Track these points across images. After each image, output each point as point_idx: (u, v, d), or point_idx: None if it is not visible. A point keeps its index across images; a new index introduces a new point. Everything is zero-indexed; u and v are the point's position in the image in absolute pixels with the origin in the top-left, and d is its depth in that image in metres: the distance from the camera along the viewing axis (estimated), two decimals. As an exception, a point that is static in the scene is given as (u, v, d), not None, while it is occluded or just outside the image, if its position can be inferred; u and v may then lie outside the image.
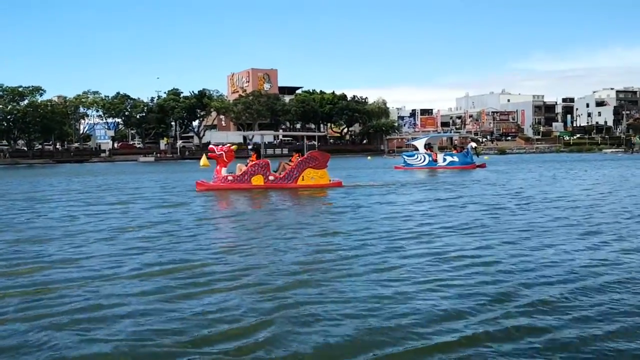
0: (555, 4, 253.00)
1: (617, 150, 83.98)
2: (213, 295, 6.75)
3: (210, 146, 25.32)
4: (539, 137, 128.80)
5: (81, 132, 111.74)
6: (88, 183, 31.68)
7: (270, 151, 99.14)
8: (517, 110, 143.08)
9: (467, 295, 6.54)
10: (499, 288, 6.81)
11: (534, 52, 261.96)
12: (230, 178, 23.35)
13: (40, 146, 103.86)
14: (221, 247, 10.09)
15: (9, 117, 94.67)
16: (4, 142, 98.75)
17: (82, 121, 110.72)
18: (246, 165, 23.54)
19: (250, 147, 28.22)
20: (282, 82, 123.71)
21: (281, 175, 23.29)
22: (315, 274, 7.72)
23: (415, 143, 42.43)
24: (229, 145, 24.71)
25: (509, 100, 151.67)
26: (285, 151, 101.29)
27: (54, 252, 9.73)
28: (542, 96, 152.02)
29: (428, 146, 40.65)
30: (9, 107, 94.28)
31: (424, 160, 39.51)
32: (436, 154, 39.42)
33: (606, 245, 9.52)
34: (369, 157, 76.49)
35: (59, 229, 12.49)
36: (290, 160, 24.40)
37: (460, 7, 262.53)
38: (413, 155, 40.88)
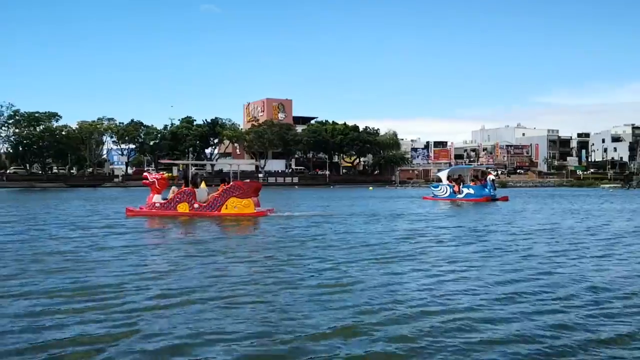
0: (578, 40, 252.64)
1: (615, 185, 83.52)
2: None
3: (144, 174, 26.28)
4: (553, 171, 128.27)
5: (101, 157, 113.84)
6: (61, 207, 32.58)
7: (280, 179, 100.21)
8: (531, 144, 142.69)
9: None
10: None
11: (555, 86, 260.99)
12: (157, 205, 24.17)
13: (56, 170, 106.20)
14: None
15: (25, 141, 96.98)
16: (19, 165, 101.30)
17: (101, 147, 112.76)
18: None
19: (180, 175, 29.06)
20: (298, 112, 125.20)
21: (205, 204, 23.79)
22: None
23: (439, 174, 43.61)
24: (161, 173, 25.73)
25: (523, 134, 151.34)
26: (296, 179, 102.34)
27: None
28: (557, 131, 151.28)
29: (455, 178, 40.77)
30: (25, 131, 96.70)
31: (446, 192, 40.07)
32: (458, 185, 39.57)
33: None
34: (370, 188, 76.99)
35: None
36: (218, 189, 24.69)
37: (482, 40, 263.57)
38: (438, 187, 41.66)
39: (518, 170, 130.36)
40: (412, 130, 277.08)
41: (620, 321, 7.01)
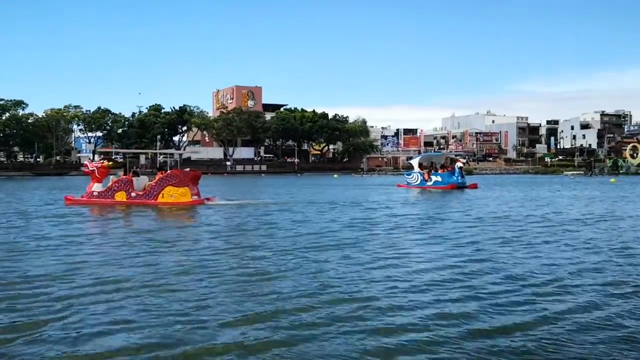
0: (553, 27, 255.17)
1: (578, 173, 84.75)
2: None
3: (85, 162, 26.34)
4: (522, 158, 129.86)
5: (68, 145, 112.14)
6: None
7: (248, 167, 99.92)
8: (500, 132, 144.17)
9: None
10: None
11: (529, 74, 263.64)
12: (95, 193, 24.23)
13: (22, 159, 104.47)
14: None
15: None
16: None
17: (69, 135, 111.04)
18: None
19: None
20: (268, 99, 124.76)
21: (142, 192, 23.81)
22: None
23: (411, 162, 43.55)
24: (101, 162, 25.70)
25: (493, 122, 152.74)
26: (264, 167, 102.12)
27: None
28: (526, 118, 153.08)
29: (427, 165, 40.97)
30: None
31: (417, 179, 40.29)
32: (428, 173, 39.70)
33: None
34: (335, 176, 77.24)
35: None
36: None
37: (457, 27, 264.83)
38: (410, 175, 41.84)
39: (488, 158, 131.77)
40: (387, 117, 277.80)
41: (508, 310, 7.16)
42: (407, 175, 42.84)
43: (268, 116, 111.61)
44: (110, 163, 26.21)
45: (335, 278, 8.92)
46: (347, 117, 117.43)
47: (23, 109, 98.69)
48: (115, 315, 6.82)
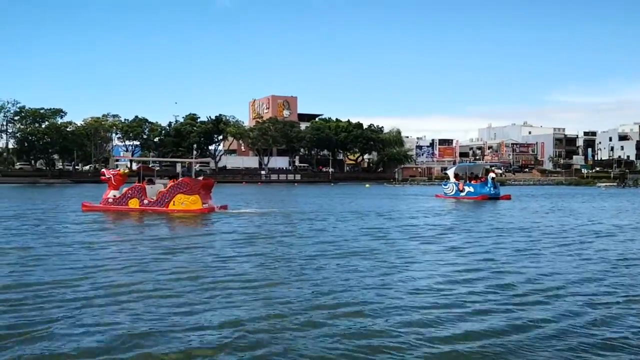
0: (594, 36, 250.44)
1: (611, 184, 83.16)
2: None
3: (102, 170, 27.08)
4: (559, 169, 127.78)
5: (106, 153, 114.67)
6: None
7: (283, 177, 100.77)
8: (537, 143, 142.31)
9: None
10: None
11: (568, 84, 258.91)
12: (110, 200, 24.96)
13: (61, 166, 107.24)
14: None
15: (30, 137, 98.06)
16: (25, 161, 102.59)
17: (109, 143, 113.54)
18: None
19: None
20: (304, 109, 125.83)
21: (154, 200, 24.36)
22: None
23: (447, 172, 43.78)
24: (118, 170, 26.61)
25: (530, 133, 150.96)
26: (298, 177, 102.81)
27: None
28: (563, 129, 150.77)
29: (469, 176, 40.70)
30: (30, 128, 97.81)
31: (452, 190, 40.37)
32: (462, 183, 39.73)
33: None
34: (367, 185, 77.25)
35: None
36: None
37: (496, 36, 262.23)
38: (446, 185, 41.97)
39: (524, 169, 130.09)
40: (424, 127, 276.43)
41: (483, 317, 7.35)
42: (444, 185, 42.94)
43: (303, 126, 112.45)
44: (127, 171, 26.98)
45: (328, 284, 9.23)
46: (382, 127, 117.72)
47: (62, 118, 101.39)
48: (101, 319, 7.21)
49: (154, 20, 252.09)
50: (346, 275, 10.03)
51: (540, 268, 10.88)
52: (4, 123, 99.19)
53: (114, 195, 25.08)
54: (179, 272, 10.13)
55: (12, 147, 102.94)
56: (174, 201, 24.11)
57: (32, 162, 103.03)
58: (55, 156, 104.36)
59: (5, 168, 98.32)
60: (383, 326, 6.79)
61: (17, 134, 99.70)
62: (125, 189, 25.10)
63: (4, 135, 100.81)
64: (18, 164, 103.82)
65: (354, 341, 6.21)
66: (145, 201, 24.53)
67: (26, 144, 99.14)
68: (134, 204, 24.65)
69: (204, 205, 24.11)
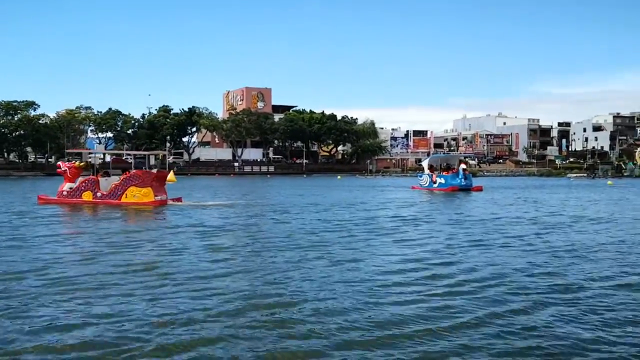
0: (570, 27, 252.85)
1: (581, 175, 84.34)
2: None
3: (59, 163, 27.24)
4: (533, 160, 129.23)
5: (80, 146, 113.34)
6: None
7: (256, 169, 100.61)
8: (511, 134, 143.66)
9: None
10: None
11: (544, 75, 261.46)
12: (65, 193, 25.16)
13: (34, 159, 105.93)
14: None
15: (2, 130, 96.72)
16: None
17: (82, 136, 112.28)
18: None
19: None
20: (278, 101, 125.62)
21: (107, 192, 24.46)
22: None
23: (422, 163, 43.85)
24: (73, 162, 26.57)
25: (504, 123, 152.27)
26: (272, 169, 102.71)
27: None
28: (538, 120, 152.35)
29: (444, 167, 40.79)
30: (2, 120, 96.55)
31: (426, 181, 40.48)
32: (435, 175, 39.87)
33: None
34: (339, 177, 77.51)
35: None
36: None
37: (471, 27, 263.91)
38: (421, 177, 42.07)
39: (498, 160, 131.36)
40: (401, 119, 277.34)
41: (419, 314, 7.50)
42: (419, 177, 43.12)
43: (277, 118, 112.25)
44: (82, 164, 26.90)
45: (272, 277, 9.34)
46: (357, 118, 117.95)
47: (35, 110, 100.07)
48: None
49: (126, 10, 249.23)
50: (288, 267, 10.14)
51: (480, 259, 11.05)
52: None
53: (70, 188, 25.17)
54: (126, 265, 10.16)
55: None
56: (126, 194, 24.18)
57: (5, 154, 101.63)
58: (29, 149, 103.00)
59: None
60: (300, 315, 6.91)
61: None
62: (79, 182, 25.12)
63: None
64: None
65: (275, 330, 6.33)
66: (99, 194, 24.68)
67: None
68: (87, 196, 24.81)
69: (156, 197, 24.06)
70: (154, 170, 25.80)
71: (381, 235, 14.85)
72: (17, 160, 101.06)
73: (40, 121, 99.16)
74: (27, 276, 9.19)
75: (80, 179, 25.56)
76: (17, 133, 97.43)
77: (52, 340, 6.02)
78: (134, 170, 25.21)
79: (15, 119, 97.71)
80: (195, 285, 8.61)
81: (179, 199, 25.77)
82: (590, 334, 6.29)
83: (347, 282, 8.84)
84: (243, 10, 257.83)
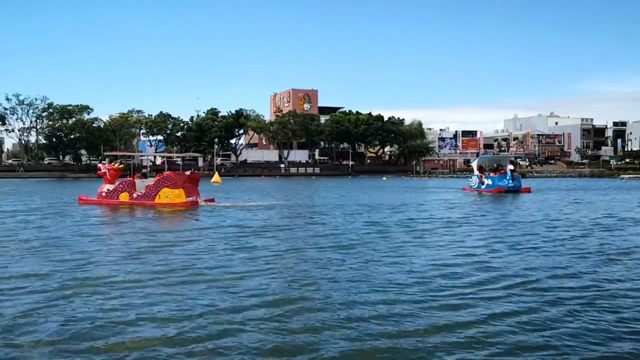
0: (623, 23, 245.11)
1: (634, 176, 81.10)
2: None
3: (99, 165, 28.05)
4: (586, 161, 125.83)
5: (133, 148, 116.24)
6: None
7: (302, 170, 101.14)
8: (563, 134, 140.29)
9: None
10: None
11: (598, 73, 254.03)
12: (104, 194, 26.03)
13: (88, 161, 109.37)
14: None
15: (58, 133, 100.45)
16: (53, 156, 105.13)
17: (135, 139, 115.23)
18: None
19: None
20: (325, 102, 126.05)
21: (142, 193, 25.16)
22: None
23: (472, 164, 43.28)
24: (113, 164, 27.56)
25: (556, 123, 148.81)
26: (318, 170, 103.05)
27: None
28: (591, 119, 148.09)
29: (494, 168, 39.88)
30: (58, 124, 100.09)
31: (476, 183, 39.74)
32: (484, 176, 39.04)
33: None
34: (384, 178, 77.01)
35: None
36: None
37: (523, 25, 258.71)
38: (471, 178, 41.51)
39: (550, 161, 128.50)
40: (451, 119, 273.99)
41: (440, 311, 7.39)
42: (469, 178, 42.46)
43: (323, 119, 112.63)
44: (122, 166, 27.75)
45: (297, 277, 9.35)
46: (403, 119, 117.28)
47: (88, 114, 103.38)
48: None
49: (175, 15, 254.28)
50: (316, 268, 10.13)
51: (524, 262, 10.80)
52: (34, 119, 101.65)
53: (108, 189, 26.01)
54: (160, 265, 10.33)
55: (41, 142, 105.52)
56: (159, 195, 24.80)
57: (61, 157, 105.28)
58: (83, 151, 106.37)
59: (35, 163, 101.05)
60: (331, 320, 6.88)
61: (46, 130, 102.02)
62: (117, 183, 26.02)
63: (33, 132, 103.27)
64: (47, 158, 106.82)
65: (297, 335, 6.33)
66: (135, 195, 25.41)
67: (54, 140, 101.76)
68: (124, 197, 25.59)
69: (188, 198, 24.63)
70: (187, 172, 26.40)
71: (413, 238, 14.64)
72: (72, 163, 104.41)
73: (93, 124, 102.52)
74: (61, 274, 9.45)
75: (119, 180, 26.46)
76: (71, 136, 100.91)
77: (94, 337, 6.19)
78: (167, 172, 25.90)
79: (70, 122, 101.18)
80: (222, 284, 8.70)
81: (211, 200, 26.24)
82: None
83: (374, 284, 8.73)
84: (290, 12, 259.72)
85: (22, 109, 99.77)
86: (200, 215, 21.02)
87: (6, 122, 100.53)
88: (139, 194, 25.28)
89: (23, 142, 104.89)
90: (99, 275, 9.52)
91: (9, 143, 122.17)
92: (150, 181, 25.73)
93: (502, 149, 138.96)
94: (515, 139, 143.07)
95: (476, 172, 40.44)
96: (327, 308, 7.41)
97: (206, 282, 8.98)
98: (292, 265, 10.52)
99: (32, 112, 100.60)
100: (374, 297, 8.00)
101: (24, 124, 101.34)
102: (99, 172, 27.27)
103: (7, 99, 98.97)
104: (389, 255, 11.68)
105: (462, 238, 14.54)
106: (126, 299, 7.86)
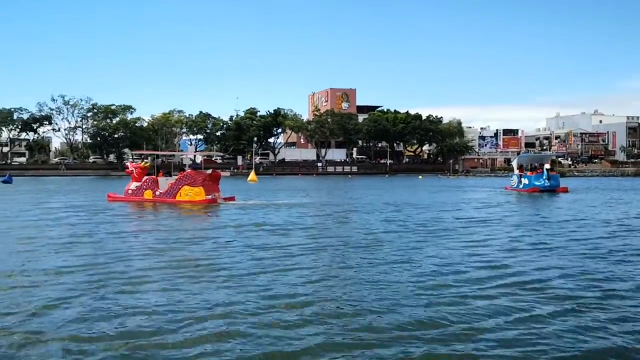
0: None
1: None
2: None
3: (127, 163, 28.99)
4: (632, 160, 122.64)
5: (174, 147, 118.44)
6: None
7: (339, 169, 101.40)
8: (608, 132, 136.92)
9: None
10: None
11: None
12: (130, 191, 27.20)
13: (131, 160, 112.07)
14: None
15: (102, 132, 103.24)
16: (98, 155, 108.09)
17: (177, 138, 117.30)
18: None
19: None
20: (363, 101, 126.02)
21: (164, 191, 26.05)
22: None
23: (512, 163, 43.17)
24: (139, 163, 28.93)
25: (600, 122, 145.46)
26: (355, 169, 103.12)
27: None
28: (637, 117, 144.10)
29: (535, 167, 39.48)
30: (102, 123, 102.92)
31: (515, 182, 39.60)
32: (522, 174, 38.88)
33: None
34: (420, 177, 76.70)
35: None
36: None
37: (567, 21, 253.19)
38: (512, 177, 41.50)
39: (593, 160, 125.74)
40: (492, 117, 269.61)
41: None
42: (511, 177, 42.26)
43: (361, 118, 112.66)
44: (147, 164, 28.82)
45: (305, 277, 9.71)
46: (441, 117, 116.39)
47: (131, 114, 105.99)
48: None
49: (215, 18, 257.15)
50: (331, 266, 10.46)
51: (533, 263, 10.89)
52: (79, 119, 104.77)
53: (135, 187, 27.18)
54: (174, 262, 10.81)
55: (86, 141, 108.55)
56: (180, 192, 25.74)
57: (105, 155, 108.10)
58: (126, 150, 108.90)
59: (80, 161, 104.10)
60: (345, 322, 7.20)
61: (90, 129, 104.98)
62: (142, 181, 27.09)
63: (78, 131, 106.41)
64: (92, 157, 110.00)
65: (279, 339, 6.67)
66: (157, 192, 26.40)
67: (99, 139, 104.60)
68: (148, 194, 26.69)
69: (207, 196, 25.32)
70: (209, 171, 27.16)
71: (438, 238, 14.71)
72: (115, 161, 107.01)
73: (136, 124, 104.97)
74: (88, 268, 10.02)
75: (145, 178, 27.48)
76: (115, 135, 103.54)
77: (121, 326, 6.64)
78: (188, 170, 26.95)
79: (114, 122, 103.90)
80: (236, 281, 9.09)
81: (232, 198, 26.98)
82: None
83: (400, 282, 9.00)
84: (327, 12, 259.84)
85: (67, 109, 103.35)
86: (216, 213, 21.67)
87: (52, 121, 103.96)
88: (162, 191, 26.26)
89: (69, 141, 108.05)
90: (122, 270, 10.05)
91: (57, 142, 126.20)
92: (173, 179, 26.66)
93: (544, 147, 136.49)
94: (557, 137, 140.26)
95: (516, 171, 40.20)
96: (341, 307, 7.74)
97: (221, 279, 9.39)
98: (301, 263, 10.84)
99: (77, 112, 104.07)
100: (383, 295, 8.31)
101: (69, 123, 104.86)
102: (126, 170, 28.48)
103: (53, 100, 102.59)
104: (413, 253, 11.87)
105: (489, 237, 14.59)
106: (148, 294, 8.35)
